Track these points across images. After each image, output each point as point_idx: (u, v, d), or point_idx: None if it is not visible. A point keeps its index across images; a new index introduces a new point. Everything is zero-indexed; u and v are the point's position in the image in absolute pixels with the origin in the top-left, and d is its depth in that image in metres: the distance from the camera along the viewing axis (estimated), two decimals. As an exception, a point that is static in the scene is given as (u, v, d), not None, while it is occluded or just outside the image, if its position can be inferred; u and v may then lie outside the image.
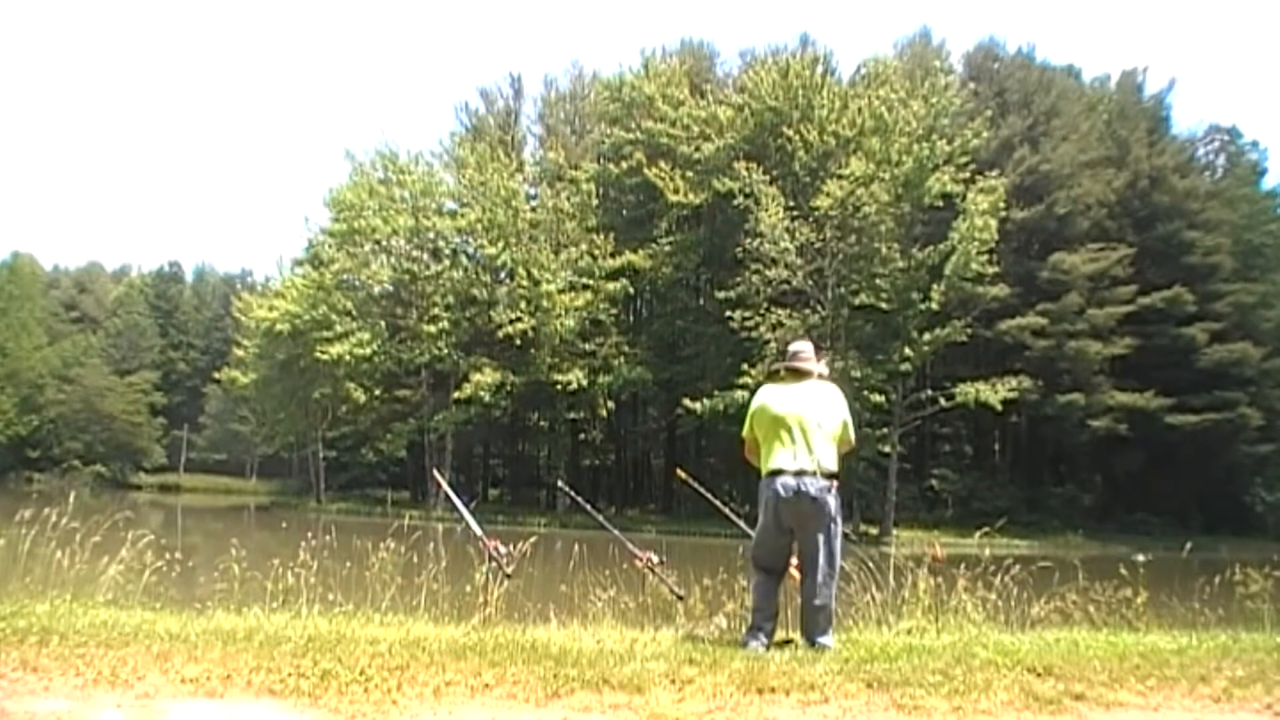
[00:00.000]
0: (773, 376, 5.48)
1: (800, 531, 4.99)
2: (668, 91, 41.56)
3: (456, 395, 40.36)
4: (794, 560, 5.80)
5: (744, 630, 5.24)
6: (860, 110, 36.62)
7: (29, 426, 62.95)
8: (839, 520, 5.01)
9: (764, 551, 5.15)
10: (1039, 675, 4.12)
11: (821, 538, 4.93)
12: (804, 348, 5.34)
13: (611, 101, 43.59)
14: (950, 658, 4.44)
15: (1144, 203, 42.44)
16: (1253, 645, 5.29)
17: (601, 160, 44.45)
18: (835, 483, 4.97)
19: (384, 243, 43.54)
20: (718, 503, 7.01)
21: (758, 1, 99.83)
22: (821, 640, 4.90)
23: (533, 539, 6.70)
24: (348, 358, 40.40)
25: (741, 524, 6.51)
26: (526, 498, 49.03)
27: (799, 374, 5.23)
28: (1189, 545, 10.52)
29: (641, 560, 6.40)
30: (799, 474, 4.90)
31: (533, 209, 43.22)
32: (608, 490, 47.96)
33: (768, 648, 4.89)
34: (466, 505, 6.54)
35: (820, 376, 5.26)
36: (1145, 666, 4.41)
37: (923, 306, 35.17)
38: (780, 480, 4.93)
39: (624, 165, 41.95)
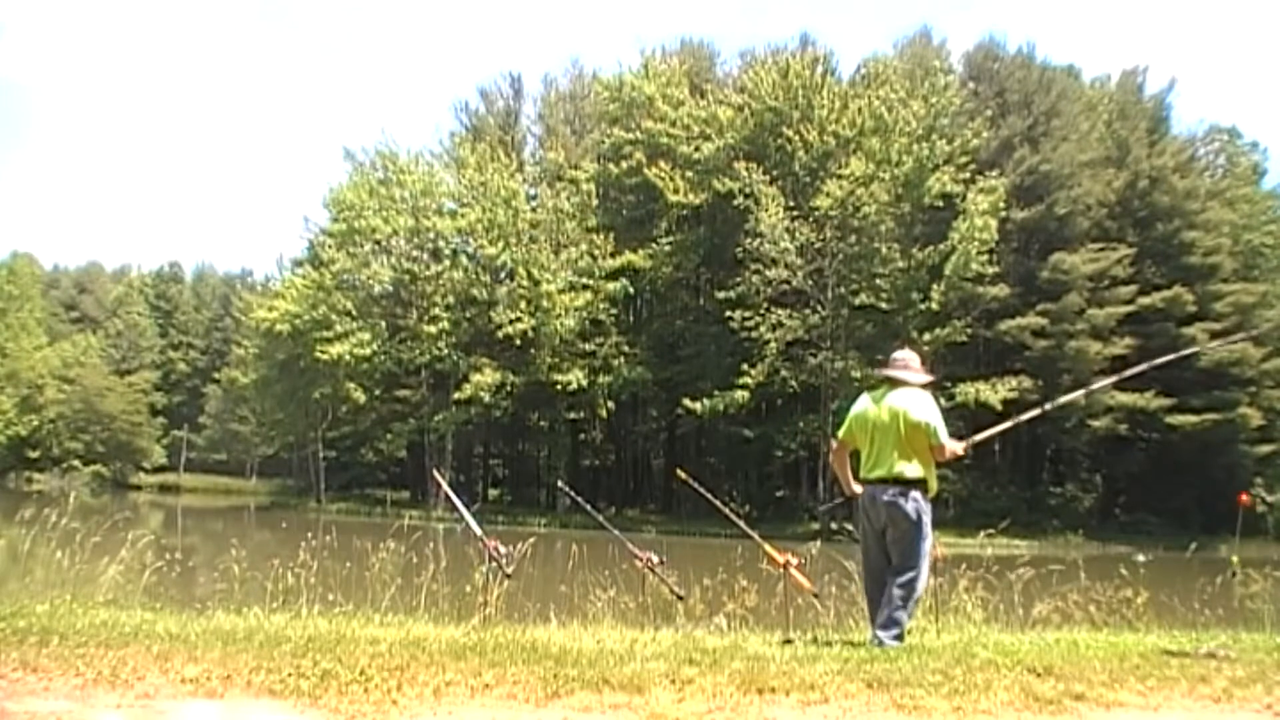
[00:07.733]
0: (876, 382, 5.63)
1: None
2: (668, 91, 41.49)
3: (456, 395, 40.36)
4: (792, 560, 5.83)
5: (870, 632, 5.30)
6: (860, 110, 36.62)
7: (29, 426, 62.85)
8: (922, 527, 5.09)
9: (864, 556, 5.35)
10: (1039, 675, 4.11)
11: (896, 543, 5.13)
12: (905, 356, 5.46)
13: (611, 101, 43.53)
14: (950, 658, 4.44)
15: (1144, 203, 42.36)
16: (1253, 645, 5.29)
17: (601, 160, 44.39)
18: (916, 489, 5.08)
19: (384, 243, 43.53)
20: (718, 503, 7.04)
21: (758, 1, 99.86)
22: (880, 635, 5.05)
23: (533, 539, 6.72)
24: (348, 358, 40.41)
25: (741, 524, 6.52)
26: (526, 498, 48.98)
27: (894, 382, 5.34)
28: (1189, 545, 10.53)
29: (641, 560, 6.41)
30: (878, 482, 5.13)
31: (533, 209, 43.20)
32: (608, 490, 47.88)
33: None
34: (466, 505, 6.54)
35: (923, 387, 5.33)
36: (1145, 666, 4.41)
37: (923, 306, 35.13)
38: (867, 489, 5.20)
39: (624, 165, 41.87)
